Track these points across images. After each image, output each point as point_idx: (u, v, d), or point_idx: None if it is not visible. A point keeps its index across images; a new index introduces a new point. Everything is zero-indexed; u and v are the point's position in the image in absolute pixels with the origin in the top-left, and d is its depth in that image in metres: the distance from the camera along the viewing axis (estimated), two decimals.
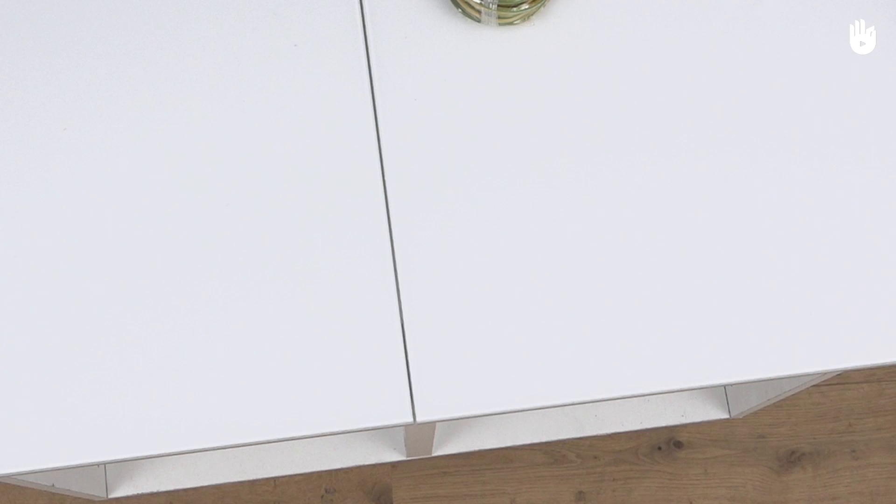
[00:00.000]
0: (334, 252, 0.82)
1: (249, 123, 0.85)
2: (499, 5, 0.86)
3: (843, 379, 1.57)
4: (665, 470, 1.52)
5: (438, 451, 1.47)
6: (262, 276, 0.82)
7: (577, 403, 0.81)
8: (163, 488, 1.43)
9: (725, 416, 1.48)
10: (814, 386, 1.54)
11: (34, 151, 0.85)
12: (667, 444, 1.53)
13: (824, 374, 1.01)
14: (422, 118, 0.86)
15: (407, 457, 1.47)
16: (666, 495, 1.51)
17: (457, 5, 0.88)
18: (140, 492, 1.43)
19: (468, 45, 0.88)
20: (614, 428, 1.48)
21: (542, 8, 0.88)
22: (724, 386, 1.17)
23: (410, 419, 0.79)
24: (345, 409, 0.79)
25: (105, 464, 1.19)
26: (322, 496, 1.50)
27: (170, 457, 1.27)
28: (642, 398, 1.48)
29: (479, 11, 0.86)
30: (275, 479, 1.49)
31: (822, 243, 0.83)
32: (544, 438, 1.47)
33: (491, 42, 0.88)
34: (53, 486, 1.20)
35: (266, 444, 0.91)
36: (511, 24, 0.88)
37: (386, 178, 0.84)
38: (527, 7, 0.86)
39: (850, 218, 0.84)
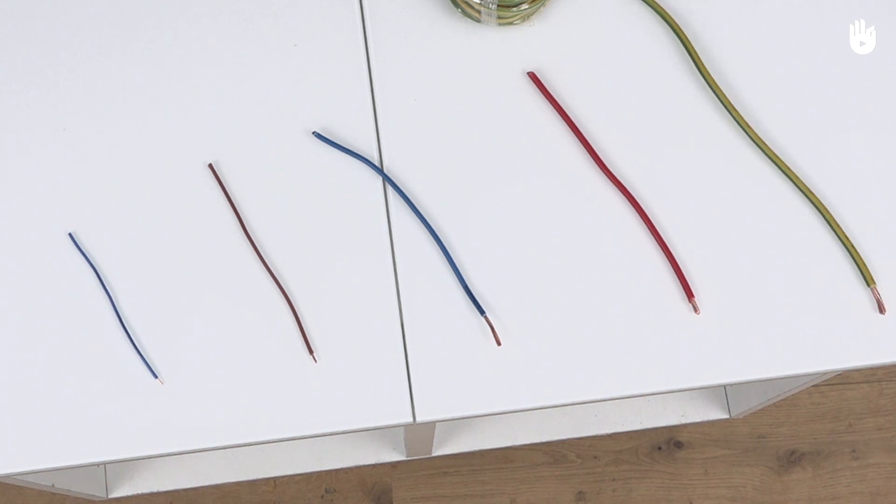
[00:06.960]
0: (334, 252, 0.82)
1: (249, 123, 0.85)
2: (499, 5, 0.85)
3: (843, 379, 1.57)
4: (665, 470, 1.52)
5: (438, 451, 1.47)
6: (261, 277, 0.82)
7: (577, 403, 0.81)
8: (163, 488, 1.43)
9: (725, 416, 1.48)
10: (814, 386, 1.54)
11: (34, 151, 0.85)
12: (667, 444, 1.53)
13: (824, 374, 1.02)
14: (422, 118, 0.86)
15: (407, 457, 1.47)
16: (666, 495, 1.51)
17: (457, 5, 0.88)
18: (140, 492, 1.43)
19: (468, 45, 0.88)
20: (614, 428, 1.48)
21: (542, 8, 0.88)
22: (724, 386, 1.16)
23: (410, 419, 0.79)
24: (345, 409, 0.79)
25: (105, 464, 1.19)
26: (322, 496, 1.50)
27: (170, 457, 1.27)
28: (642, 398, 1.48)
29: (479, 11, 0.86)
30: (275, 479, 1.49)
31: (821, 243, 0.83)
32: (544, 438, 1.47)
33: (491, 42, 0.88)
34: (53, 486, 1.20)
35: (266, 444, 0.91)
36: (511, 24, 0.88)
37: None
38: (527, 7, 0.86)
39: (849, 218, 0.84)
